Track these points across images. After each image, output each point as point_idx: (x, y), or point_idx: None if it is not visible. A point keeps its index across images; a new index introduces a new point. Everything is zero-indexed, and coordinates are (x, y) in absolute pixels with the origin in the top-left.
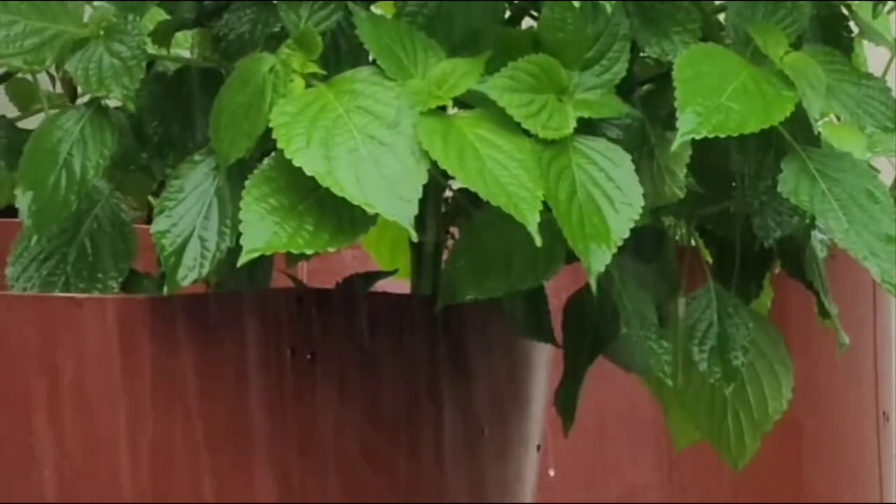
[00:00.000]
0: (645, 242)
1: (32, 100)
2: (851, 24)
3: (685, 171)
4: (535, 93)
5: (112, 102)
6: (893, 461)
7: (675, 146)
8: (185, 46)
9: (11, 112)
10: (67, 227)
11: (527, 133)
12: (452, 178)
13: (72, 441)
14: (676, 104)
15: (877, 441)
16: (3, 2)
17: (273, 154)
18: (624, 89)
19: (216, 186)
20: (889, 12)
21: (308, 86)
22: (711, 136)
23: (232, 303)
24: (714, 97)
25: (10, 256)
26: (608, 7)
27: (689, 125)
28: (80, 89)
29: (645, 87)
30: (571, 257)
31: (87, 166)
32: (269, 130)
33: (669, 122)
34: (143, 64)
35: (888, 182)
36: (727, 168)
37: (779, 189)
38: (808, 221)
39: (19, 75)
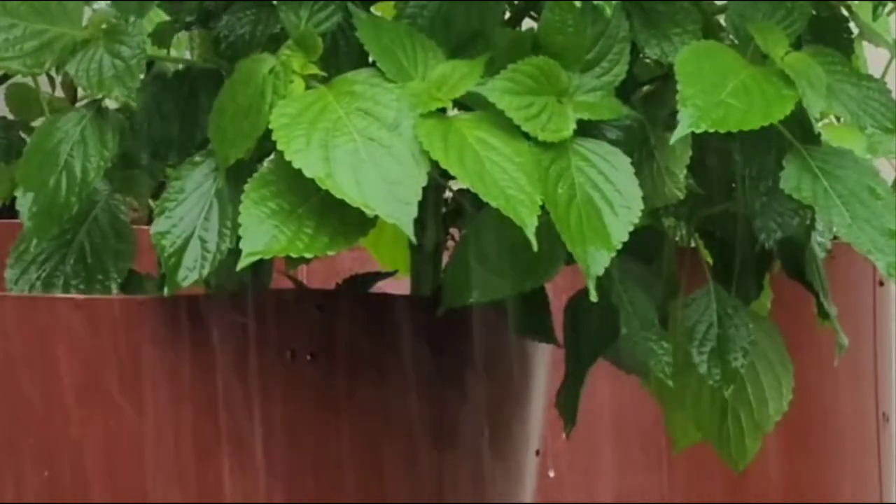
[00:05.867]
0: (645, 243)
1: (31, 105)
2: (851, 25)
3: (685, 172)
4: (535, 95)
5: (112, 104)
6: (893, 461)
7: (674, 139)
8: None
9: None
10: (66, 228)
11: (526, 135)
12: (452, 178)
13: (71, 442)
14: (678, 98)
15: (877, 441)
16: (1, 4)
17: (273, 156)
18: (624, 91)
19: (216, 187)
20: (889, 14)
21: (308, 87)
22: (711, 130)
23: (232, 304)
24: (715, 93)
25: (9, 258)
26: (608, 9)
27: (690, 119)
28: (80, 91)
29: (645, 89)
30: (572, 259)
31: (88, 168)
32: (269, 132)
33: (669, 124)
34: (144, 65)
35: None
36: (727, 169)
37: (781, 186)
38: (808, 222)
39: (17, 81)
